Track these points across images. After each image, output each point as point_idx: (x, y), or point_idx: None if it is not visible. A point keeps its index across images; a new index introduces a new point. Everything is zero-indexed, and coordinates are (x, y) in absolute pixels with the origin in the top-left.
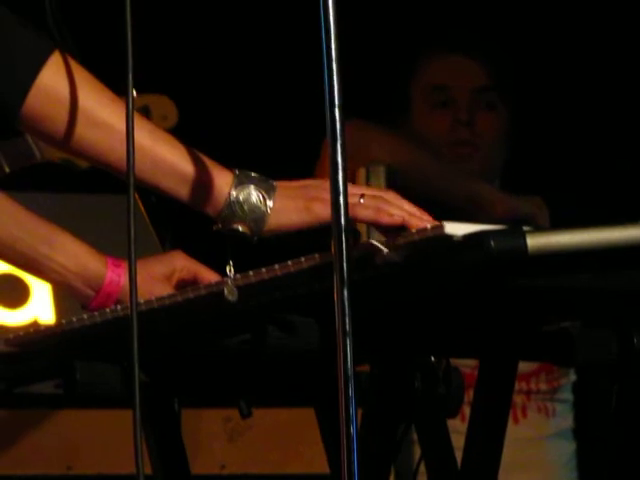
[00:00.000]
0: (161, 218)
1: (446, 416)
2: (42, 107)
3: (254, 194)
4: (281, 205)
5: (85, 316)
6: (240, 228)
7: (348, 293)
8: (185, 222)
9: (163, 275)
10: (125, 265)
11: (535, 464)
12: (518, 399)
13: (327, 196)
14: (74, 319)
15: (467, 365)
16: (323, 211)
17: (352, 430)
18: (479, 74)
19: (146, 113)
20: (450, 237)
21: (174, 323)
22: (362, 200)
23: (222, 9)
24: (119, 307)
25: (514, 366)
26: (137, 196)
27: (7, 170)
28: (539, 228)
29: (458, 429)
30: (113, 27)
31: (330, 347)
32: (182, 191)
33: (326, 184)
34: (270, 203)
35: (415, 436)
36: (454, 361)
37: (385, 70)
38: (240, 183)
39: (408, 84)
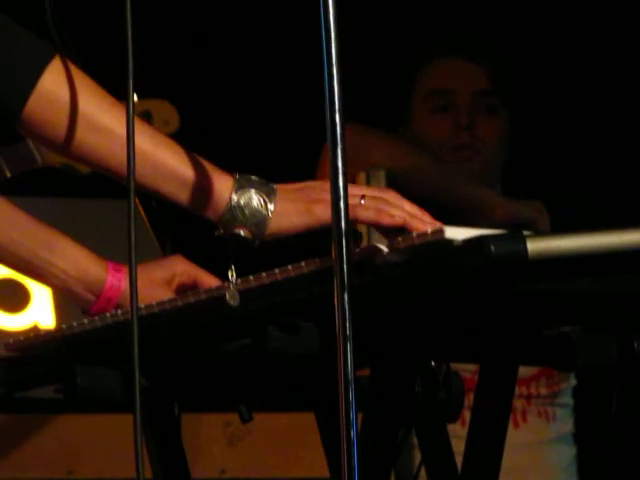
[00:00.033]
0: (161, 223)
1: (446, 421)
2: (43, 112)
3: (255, 198)
4: (282, 208)
5: (85, 321)
6: (242, 232)
7: (348, 297)
8: (185, 226)
9: (163, 279)
10: (125, 270)
11: (535, 469)
12: (518, 403)
13: (328, 197)
14: (74, 324)
15: (467, 370)
16: (324, 213)
17: (352, 434)
18: (480, 78)
19: (147, 118)
20: (450, 241)
21: (174, 328)
22: (363, 201)
23: (223, 15)
24: (119, 312)
25: (514, 370)
26: (138, 201)
27: (8, 175)
28: (539, 233)
29: (458, 434)
30: (114, 32)
31: (330, 351)
32: (183, 196)
33: (326, 185)
34: (271, 207)
35: (415, 440)
36: (454, 366)
37: (385, 74)
38: (241, 187)
39: (409, 88)
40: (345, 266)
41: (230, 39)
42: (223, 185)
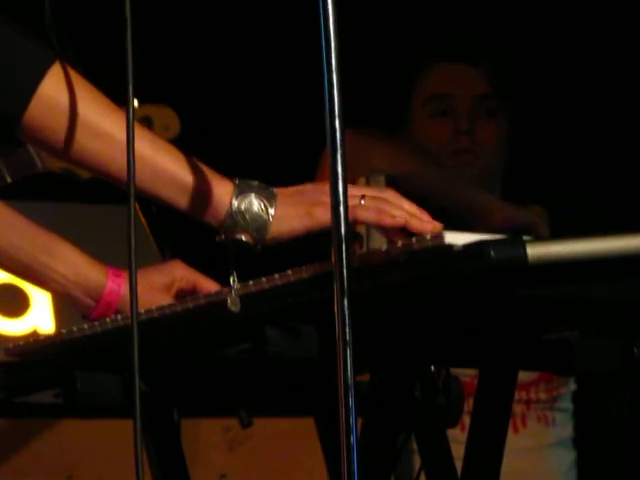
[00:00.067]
0: (161, 228)
1: (446, 426)
2: (43, 117)
3: (255, 203)
4: (283, 212)
5: (85, 326)
6: (243, 238)
7: (348, 302)
8: (184, 232)
9: (163, 285)
10: (125, 275)
11: (535, 473)
12: (518, 408)
13: (328, 199)
14: (74, 329)
15: (467, 374)
16: (325, 215)
17: (352, 439)
18: (479, 82)
19: (148, 123)
20: (450, 247)
21: (174, 333)
22: (363, 201)
23: (224, 21)
24: (119, 317)
25: (514, 375)
26: (137, 206)
27: (9, 180)
28: (539, 238)
29: (458, 438)
30: (113, 36)
31: (330, 356)
32: (183, 201)
33: (325, 187)
34: (272, 211)
35: (415, 445)
36: (454, 370)
37: (385, 79)
38: (241, 192)
39: (408, 93)
40: (345, 271)
41: (230, 45)
42: (223, 190)
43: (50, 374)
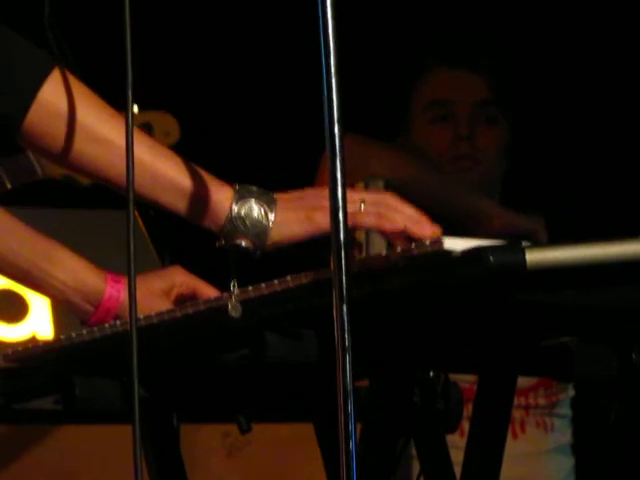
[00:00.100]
0: (160, 233)
1: (445, 431)
2: (43, 123)
3: (255, 208)
4: (283, 217)
5: (84, 331)
6: (243, 243)
7: (347, 309)
8: (184, 237)
9: (162, 290)
10: (124, 280)
11: (534, 479)
12: (517, 414)
13: (328, 204)
14: (73, 334)
15: (466, 380)
16: (325, 220)
17: (351, 445)
18: (480, 88)
19: (148, 130)
20: (449, 252)
21: (173, 338)
22: (363, 206)
23: (223, 28)
24: (118, 322)
25: (513, 381)
26: (137, 212)
27: (9, 186)
28: (538, 244)
29: (457, 444)
30: (113, 42)
31: (329, 362)
32: (182, 206)
33: (325, 192)
34: (272, 216)
35: (414, 451)
36: (453, 376)
37: (385, 84)
38: (241, 198)
39: (408, 98)
40: (344, 277)
41: (230, 52)
42: (223, 196)
43: (49, 380)
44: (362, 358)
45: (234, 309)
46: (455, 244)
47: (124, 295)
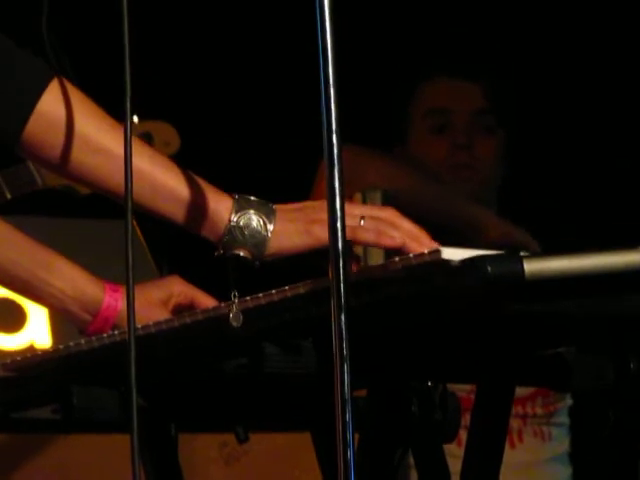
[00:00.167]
0: (158, 243)
1: (443, 441)
2: (42, 133)
3: (254, 219)
4: (282, 228)
5: (82, 341)
6: (242, 253)
7: (345, 318)
8: (182, 247)
9: (160, 300)
10: (122, 290)
11: None
12: (514, 423)
13: (326, 217)
14: (71, 344)
15: (463, 390)
16: (323, 233)
17: (349, 455)
18: (478, 97)
19: (148, 139)
20: (447, 262)
21: (171, 348)
22: (362, 222)
23: (222, 38)
24: (116, 332)
25: (511, 391)
26: (135, 221)
27: (8, 196)
28: (536, 253)
29: (455, 453)
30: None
31: (327, 371)
32: (181, 216)
33: (325, 205)
34: (271, 227)
35: (412, 461)
36: (450, 385)
37: (383, 93)
38: (240, 208)
39: (406, 107)
40: (342, 287)
41: (230, 62)
42: (222, 206)
43: (47, 389)
44: (360, 368)
45: (235, 318)
46: (453, 254)
47: (122, 304)
